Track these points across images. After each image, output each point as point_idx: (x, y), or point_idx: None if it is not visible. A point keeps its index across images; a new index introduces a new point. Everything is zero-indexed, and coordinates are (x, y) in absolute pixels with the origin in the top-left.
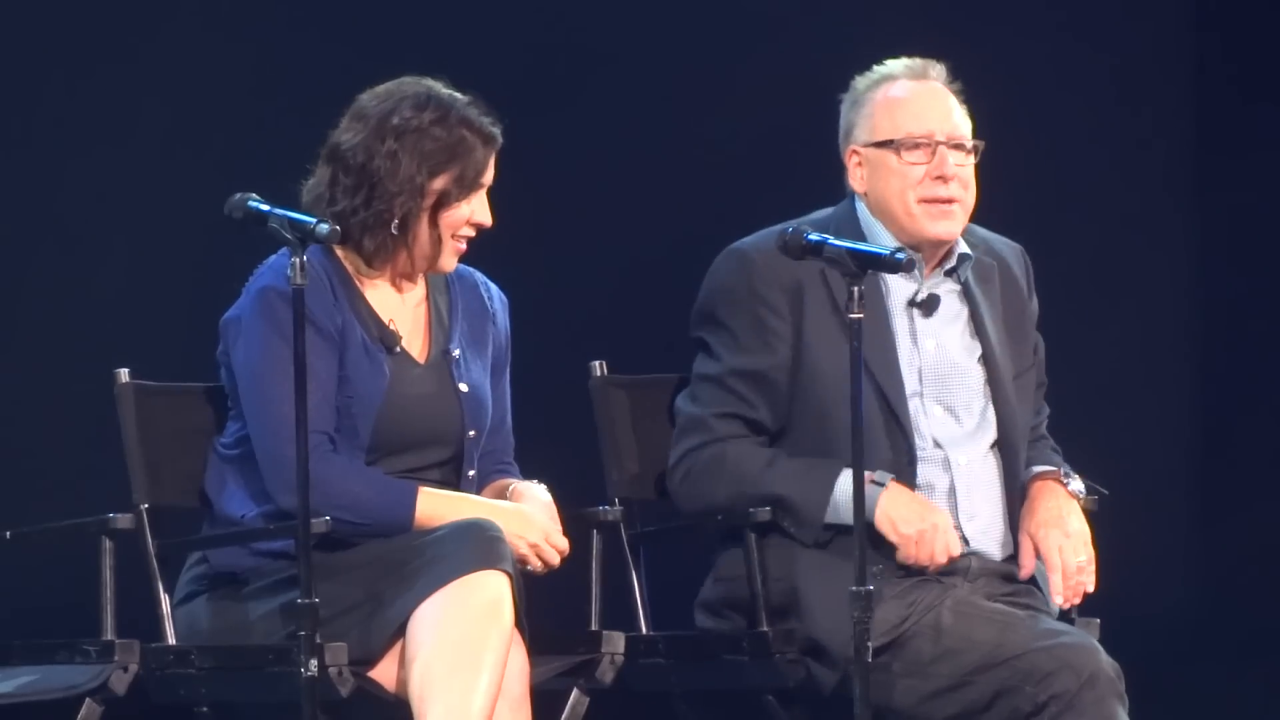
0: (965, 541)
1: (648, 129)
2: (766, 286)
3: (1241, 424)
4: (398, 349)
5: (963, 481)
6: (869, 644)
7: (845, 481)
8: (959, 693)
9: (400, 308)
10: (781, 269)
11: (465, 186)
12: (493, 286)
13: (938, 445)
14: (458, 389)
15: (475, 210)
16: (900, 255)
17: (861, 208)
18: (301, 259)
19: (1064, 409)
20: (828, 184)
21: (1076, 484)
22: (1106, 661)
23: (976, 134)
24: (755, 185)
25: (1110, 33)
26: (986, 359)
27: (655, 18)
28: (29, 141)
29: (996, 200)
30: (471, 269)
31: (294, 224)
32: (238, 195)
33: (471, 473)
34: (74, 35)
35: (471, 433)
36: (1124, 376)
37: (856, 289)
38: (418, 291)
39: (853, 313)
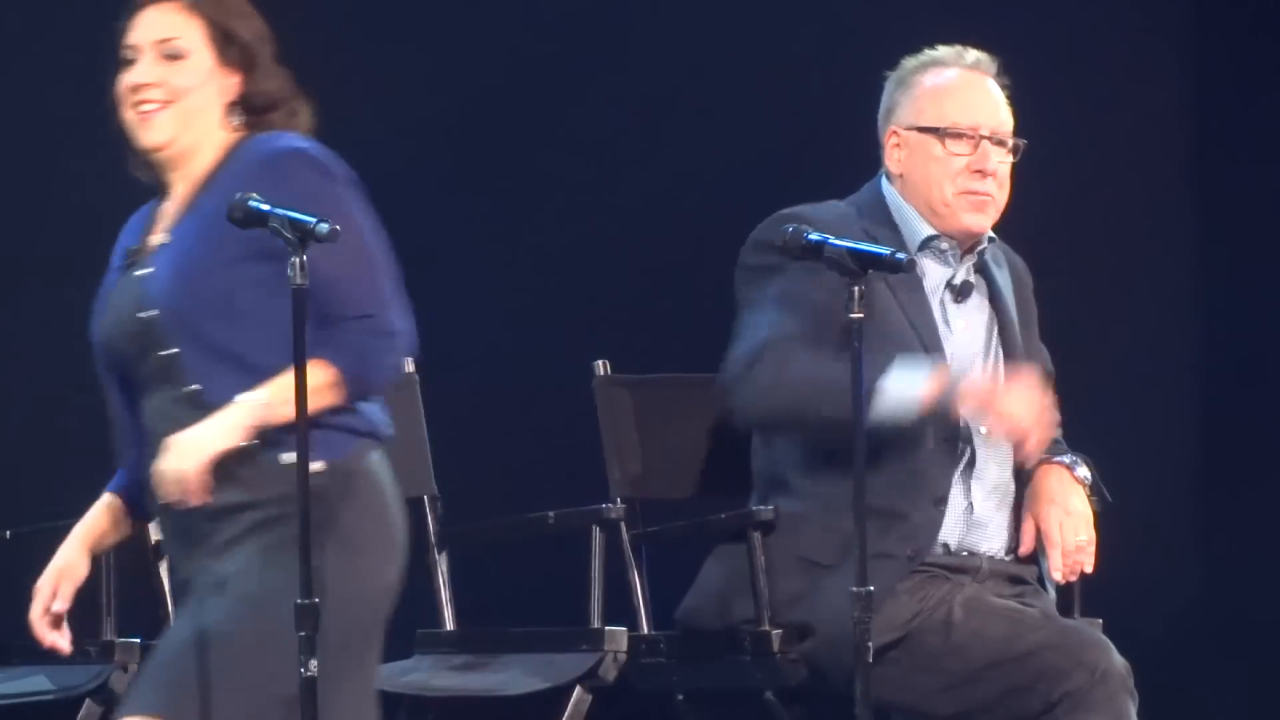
0: (970, 509)
1: (652, 126)
2: None
3: (1246, 424)
4: (135, 258)
5: (981, 448)
6: (869, 644)
7: (901, 377)
8: (967, 689)
9: (170, 214)
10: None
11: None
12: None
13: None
14: (140, 280)
15: (135, 72)
16: (900, 256)
17: (891, 191)
18: (302, 259)
19: (1068, 410)
20: (837, 184)
21: (1083, 470)
22: (1117, 658)
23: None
24: (761, 183)
25: (1111, 31)
26: (1004, 337)
27: (662, 13)
28: (30, 141)
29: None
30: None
31: (294, 223)
32: (238, 195)
33: (196, 386)
34: (74, 34)
35: (160, 328)
36: (1128, 377)
37: (857, 289)
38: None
39: (853, 312)
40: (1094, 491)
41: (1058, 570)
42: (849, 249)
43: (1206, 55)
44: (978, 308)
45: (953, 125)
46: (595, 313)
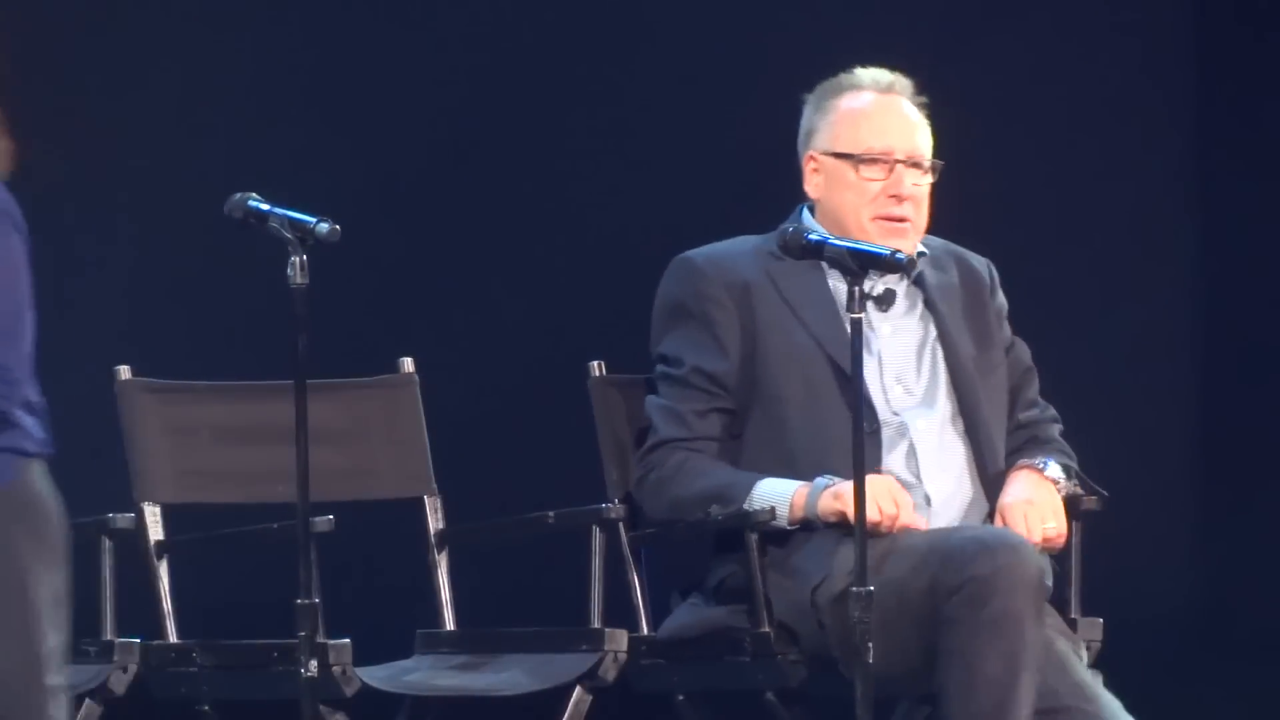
0: (927, 500)
1: (649, 127)
2: (712, 287)
3: (1244, 424)
4: None
5: (922, 444)
6: (869, 644)
7: (774, 480)
8: (898, 626)
9: None
10: (726, 270)
11: None
12: None
13: (895, 414)
14: None
15: None
16: (901, 256)
17: (808, 218)
18: (302, 258)
19: (1067, 411)
20: None
21: (1054, 470)
22: (1032, 563)
23: (955, 146)
24: (758, 185)
25: (1110, 32)
26: (942, 337)
27: (655, 18)
28: (30, 137)
29: (995, 204)
30: None
31: (294, 223)
32: (238, 195)
33: None
34: (75, 31)
35: None
36: (1127, 378)
37: (858, 289)
38: None
39: (854, 312)
40: (1084, 488)
41: None
42: (849, 249)
43: (1206, 59)
44: (908, 315)
45: (867, 151)
46: (592, 312)
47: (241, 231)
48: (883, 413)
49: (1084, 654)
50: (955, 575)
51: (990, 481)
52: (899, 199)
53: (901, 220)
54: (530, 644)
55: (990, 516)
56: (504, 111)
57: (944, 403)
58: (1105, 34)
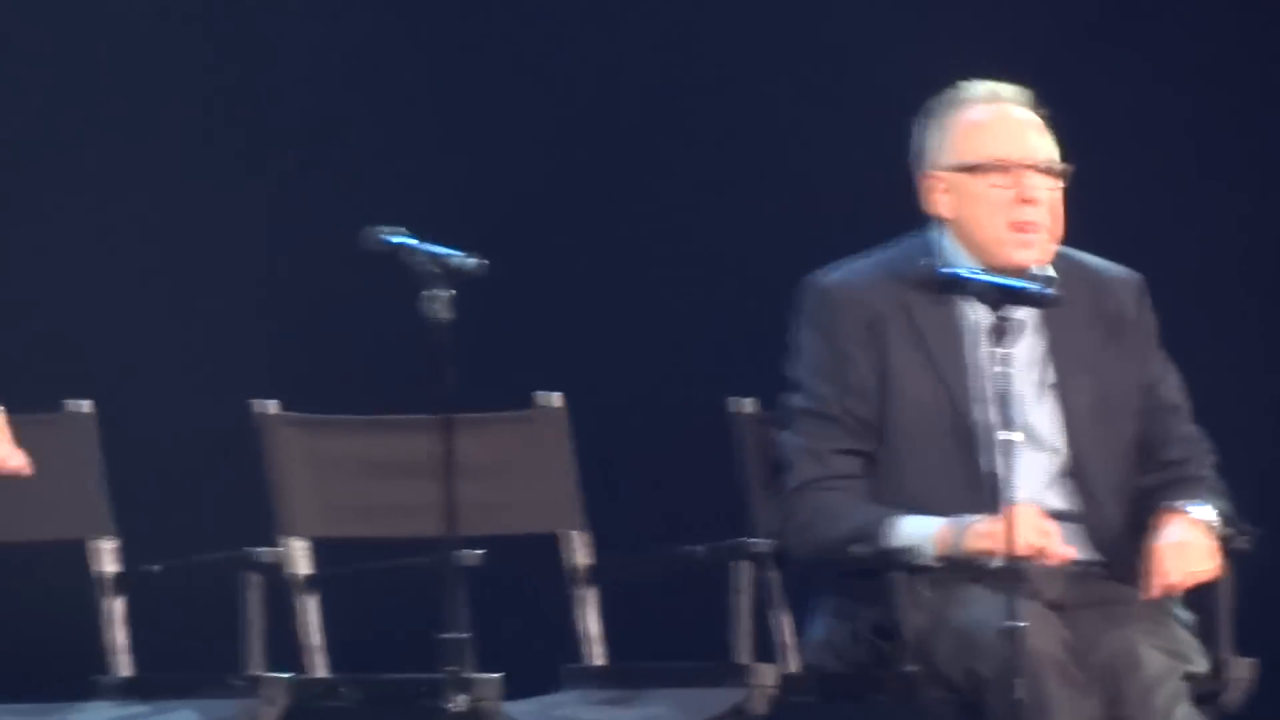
0: None
1: (782, 155)
2: (847, 321)
3: None
4: None
5: (1018, 497)
6: (1015, 682)
7: (914, 518)
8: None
9: None
10: (860, 300)
11: None
12: None
13: (998, 473)
14: None
15: None
16: (1049, 292)
17: (939, 235)
18: (448, 293)
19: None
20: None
21: (1201, 511)
22: (1046, 634)
23: (1068, 158)
24: (888, 203)
25: (1219, 41)
26: (1061, 386)
27: (780, 47)
28: (163, 172)
29: (1101, 218)
30: None
31: (438, 259)
32: (375, 232)
33: None
34: (192, 64)
35: None
36: (1237, 394)
37: (1000, 325)
38: None
39: (1000, 347)
40: (1229, 524)
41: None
42: (992, 284)
43: None
44: (1028, 349)
45: (990, 159)
46: (730, 343)
47: (381, 263)
48: (986, 464)
49: (1183, 670)
50: (984, 667)
51: (1103, 534)
52: (1029, 202)
53: (1034, 227)
54: (677, 679)
55: (1114, 565)
56: (643, 141)
57: (1053, 461)
58: (1212, 42)
